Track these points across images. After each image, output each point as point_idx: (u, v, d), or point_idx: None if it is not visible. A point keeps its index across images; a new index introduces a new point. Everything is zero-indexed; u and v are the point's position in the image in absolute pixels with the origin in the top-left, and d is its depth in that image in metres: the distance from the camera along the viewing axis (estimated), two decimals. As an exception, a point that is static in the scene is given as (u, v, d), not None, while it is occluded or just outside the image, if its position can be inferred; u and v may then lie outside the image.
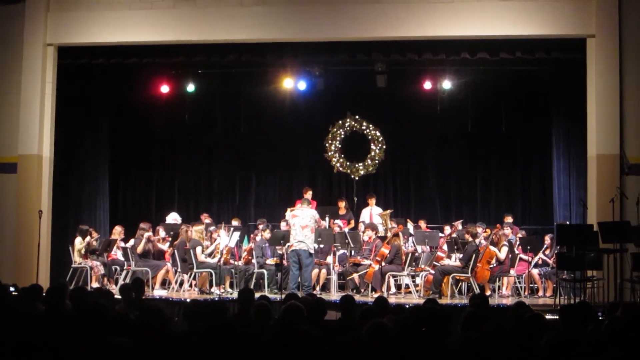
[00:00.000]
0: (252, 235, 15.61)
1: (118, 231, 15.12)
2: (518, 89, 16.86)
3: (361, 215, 16.60)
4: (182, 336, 5.87)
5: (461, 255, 13.74)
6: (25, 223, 14.15)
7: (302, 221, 13.58)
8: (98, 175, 16.95)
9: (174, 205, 17.96)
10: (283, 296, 11.49)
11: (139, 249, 14.42)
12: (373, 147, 17.58)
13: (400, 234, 14.54)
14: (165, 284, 14.65)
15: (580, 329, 5.93)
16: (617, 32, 13.43)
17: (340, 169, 17.72)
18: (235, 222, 15.88)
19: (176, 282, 14.33)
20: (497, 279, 14.06)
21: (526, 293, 14.39)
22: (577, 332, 5.75)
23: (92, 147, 16.87)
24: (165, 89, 16.84)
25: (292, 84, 16.48)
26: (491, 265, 13.82)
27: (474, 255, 13.46)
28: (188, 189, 18.75)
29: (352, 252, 14.73)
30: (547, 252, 14.50)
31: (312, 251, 13.56)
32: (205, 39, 14.53)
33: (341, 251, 14.86)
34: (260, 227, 15.35)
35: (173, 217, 16.31)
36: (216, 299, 12.89)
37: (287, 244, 13.81)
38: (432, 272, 13.84)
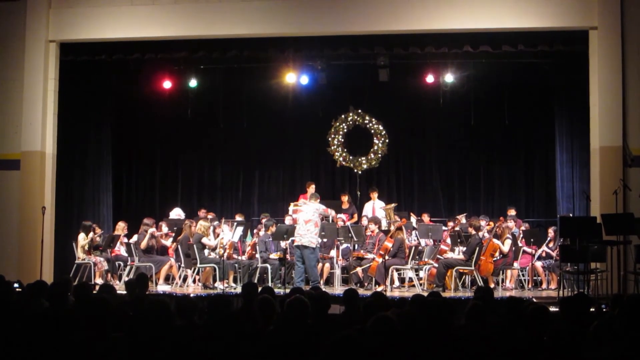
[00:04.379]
0: (255, 230, 15.61)
1: (121, 227, 15.13)
2: (520, 82, 16.82)
3: (364, 209, 16.59)
4: (186, 330, 5.88)
5: (465, 249, 13.77)
6: (29, 220, 14.18)
7: (305, 215, 13.59)
8: (101, 171, 17.00)
9: (177, 201, 18.01)
10: (287, 290, 11.51)
11: (143, 244, 14.45)
12: (376, 141, 17.55)
13: (404, 227, 14.53)
14: (169, 279, 14.67)
15: (580, 320, 5.92)
16: (619, 23, 13.39)
17: (343, 163, 17.69)
18: (238, 218, 15.90)
19: (180, 277, 14.35)
20: (501, 272, 14.04)
21: (530, 286, 14.40)
22: (577, 324, 5.75)
23: (95, 143, 16.93)
24: (167, 84, 16.80)
25: (294, 78, 16.42)
26: (495, 258, 13.81)
27: (477, 248, 13.48)
28: (191, 184, 18.80)
29: (356, 246, 14.74)
30: (551, 244, 14.50)
31: (314, 246, 13.45)
32: (207, 34, 14.55)
33: (344, 245, 14.88)
34: (264, 221, 15.35)
35: (176, 213, 16.34)
36: (220, 293, 12.89)
37: (291, 239, 13.82)
38: (436, 265, 13.85)
